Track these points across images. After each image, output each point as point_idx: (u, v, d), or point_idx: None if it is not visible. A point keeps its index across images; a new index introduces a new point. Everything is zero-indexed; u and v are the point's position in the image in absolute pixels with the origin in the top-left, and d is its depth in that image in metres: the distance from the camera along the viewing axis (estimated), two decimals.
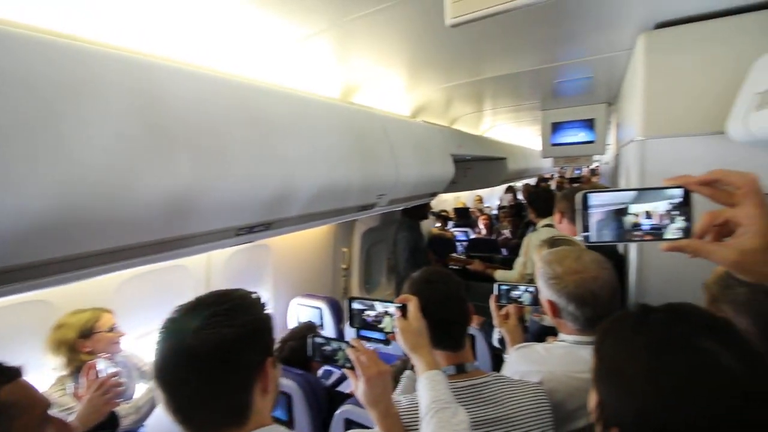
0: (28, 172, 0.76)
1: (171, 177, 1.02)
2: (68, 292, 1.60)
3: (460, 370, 1.02)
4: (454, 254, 3.16)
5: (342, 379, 2.16)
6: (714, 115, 1.47)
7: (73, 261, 0.96)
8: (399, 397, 1.03)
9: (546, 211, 2.64)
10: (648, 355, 0.51)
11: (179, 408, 0.66)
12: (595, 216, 0.58)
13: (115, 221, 0.96)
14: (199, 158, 1.08)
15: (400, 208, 2.84)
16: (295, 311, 2.67)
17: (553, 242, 1.52)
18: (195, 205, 1.10)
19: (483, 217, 5.94)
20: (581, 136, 3.39)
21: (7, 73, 0.76)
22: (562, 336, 1.15)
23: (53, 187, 0.81)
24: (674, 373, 0.48)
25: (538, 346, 1.17)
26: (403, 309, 0.97)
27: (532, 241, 2.53)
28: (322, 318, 2.55)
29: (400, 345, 0.95)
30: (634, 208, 0.56)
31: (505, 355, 1.37)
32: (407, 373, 1.20)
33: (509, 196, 6.86)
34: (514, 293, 1.48)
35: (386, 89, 2.40)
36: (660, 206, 0.56)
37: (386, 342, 2.28)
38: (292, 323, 2.64)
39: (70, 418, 1.25)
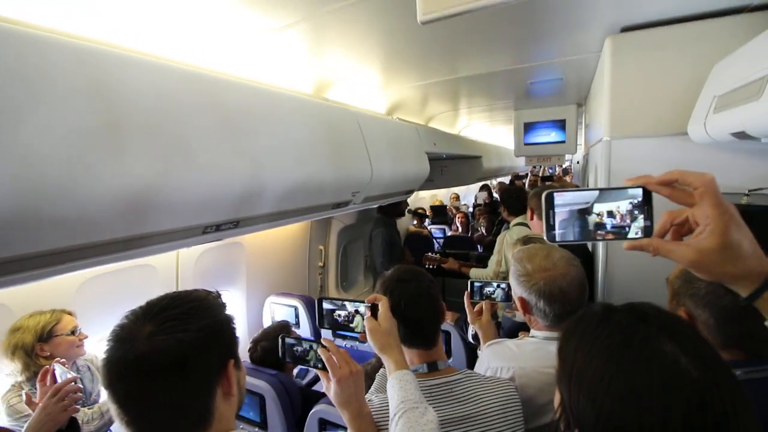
0: None
1: (129, 172, 0.97)
2: (26, 292, 1.50)
3: (432, 368, 1.02)
4: (428, 254, 3.17)
5: (318, 377, 2.14)
6: (676, 116, 1.53)
7: (24, 261, 0.90)
8: (371, 396, 1.02)
9: (518, 210, 2.70)
10: (608, 358, 0.52)
11: (133, 420, 0.62)
12: (560, 215, 0.59)
13: (69, 219, 0.90)
14: (160, 153, 1.03)
15: (376, 206, 2.83)
16: (269, 310, 2.62)
17: (526, 241, 1.55)
18: (156, 202, 1.04)
19: (459, 214, 6.01)
20: (553, 135, 3.48)
21: None
22: (533, 332, 1.17)
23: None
24: (634, 377, 0.49)
25: (510, 343, 1.18)
26: (374, 309, 0.96)
27: (505, 238, 2.57)
28: (297, 317, 2.52)
29: (370, 345, 0.94)
30: (597, 208, 0.57)
31: (478, 351, 1.39)
32: (382, 371, 1.19)
33: (484, 193, 6.96)
34: (488, 290, 1.49)
35: (361, 85, 2.38)
36: (622, 206, 0.57)
37: (362, 340, 2.27)
38: (267, 322, 2.59)
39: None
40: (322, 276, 3.36)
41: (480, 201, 6.89)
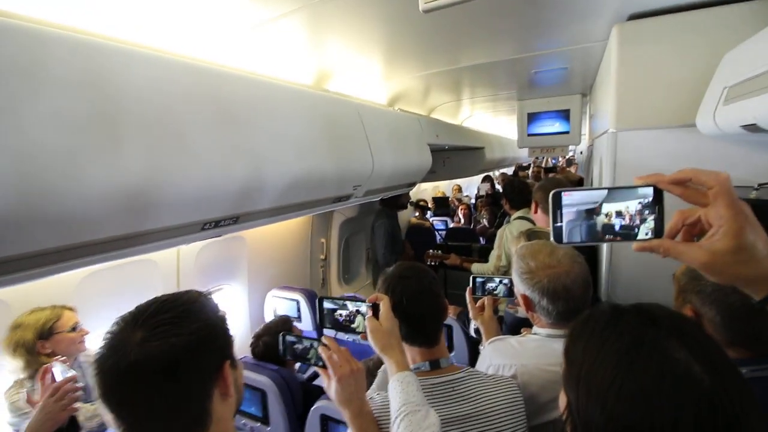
0: None
1: (126, 168, 0.95)
2: (24, 288, 1.50)
3: (435, 366, 1.01)
4: (430, 251, 3.15)
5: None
6: (685, 107, 1.49)
7: (19, 261, 0.89)
8: (372, 394, 1.01)
9: (520, 203, 2.66)
10: (617, 362, 0.51)
11: (130, 427, 0.61)
12: (568, 215, 0.56)
13: (65, 217, 0.89)
14: (156, 149, 1.01)
15: (377, 199, 2.80)
16: (271, 304, 2.61)
17: (529, 235, 1.52)
18: (153, 199, 1.03)
19: (462, 206, 5.97)
20: (557, 126, 3.42)
21: None
22: (535, 329, 1.15)
23: None
24: (643, 381, 0.48)
25: (512, 339, 1.17)
26: (375, 308, 0.95)
27: (506, 232, 2.55)
28: (299, 310, 2.51)
29: (371, 345, 0.93)
30: (606, 208, 0.55)
31: (480, 347, 1.38)
32: (384, 367, 1.18)
33: (487, 185, 6.91)
34: (490, 285, 1.48)
35: (362, 76, 2.34)
36: (631, 205, 0.55)
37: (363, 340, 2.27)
38: (268, 316, 2.59)
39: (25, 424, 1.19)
40: (324, 269, 3.35)
41: (483, 192, 6.84)
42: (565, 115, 3.37)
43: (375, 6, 1.44)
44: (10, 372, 1.45)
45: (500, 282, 1.46)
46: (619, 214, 0.55)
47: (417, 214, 4.84)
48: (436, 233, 4.55)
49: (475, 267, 2.73)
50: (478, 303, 1.48)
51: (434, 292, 1.05)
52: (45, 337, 1.47)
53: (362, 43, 1.82)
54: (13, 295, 1.52)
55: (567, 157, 9.75)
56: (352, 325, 1.01)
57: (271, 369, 1.65)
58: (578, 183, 4.84)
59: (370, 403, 0.95)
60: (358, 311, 1.01)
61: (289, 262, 3.02)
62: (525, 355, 1.09)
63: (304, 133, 1.61)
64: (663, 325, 0.53)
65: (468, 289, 1.49)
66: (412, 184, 2.97)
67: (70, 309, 1.59)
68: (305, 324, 2.47)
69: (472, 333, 1.63)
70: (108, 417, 0.60)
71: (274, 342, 1.74)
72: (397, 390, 0.83)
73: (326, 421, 1.32)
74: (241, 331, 2.61)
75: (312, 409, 1.34)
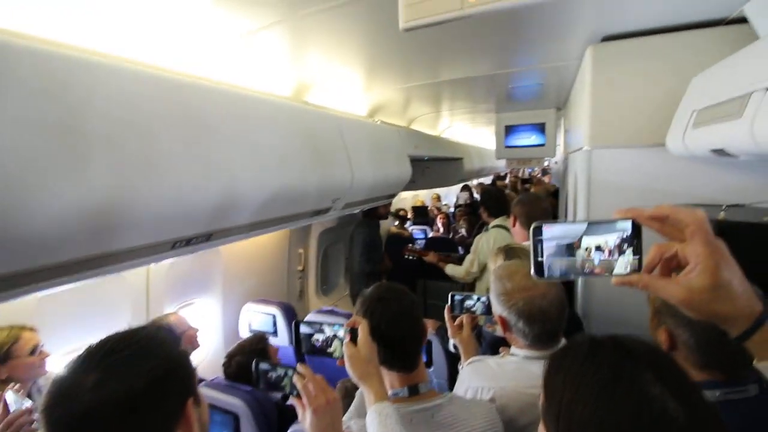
0: None
1: (87, 186, 0.89)
2: None
3: (413, 392, 0.98)
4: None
5: None
6: (655, 128, 1.54)
7: None
8: (349, 422, 0.98)
9: (498, 212, 2.71)
10: (597, 397, 0.52)
11: None
12: (548, 250, 0.56)
13: (19, 238, 0.82)
14: (122, 165, 0.96)
15: (356, 212, 2.78)
16: (246, 318, 2.53)
17: (507, 251, 1.53)
18: (119, 218, 0.97)
19: (441, 215, 6.01)
20: (533, 138, 3.51)
21: None
22: (513, 350, 1.15)
23: None
24: (621, 418, 0.50)
25: (491, 361, 1.16)
26: (353, 333, 0.92)
27: (482, 240, 2.59)
28: (275, 325, 2.44)
29: (348, 372, 0.89)
30: (585, 241, 0.55)
31: (459, 366, 1.36)
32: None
33: (466, 194, 7.00)
34: (468, 303, 1.47)
35: (342, 88, 2.32)
36: (610, 239, 0.55)
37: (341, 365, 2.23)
38: (243, 331, 2.51)
39: None
40: (301, 280, 3.29)
41: (461, 201, 6.92)
42: (540, 128, 3.45)
43: (356, 21, 1.43)
44: None
45: (478, 299, 1.46)
46: (598, 248, 0.55)
47: (396, 223, 4.84)
48: (416, 243, 4.55)
49: (449, 268, 2.81)
50: (456, 321, 1.46)
51: (414, 315, 1.03)
52: (1, 362, 1.36)
53: (343, 56, 1.81)
54: None
55: (543, 167, 10.01)
56: (329, 350, 0.98)
57: (244, 390, 1.58)
58: (554, 193, 4.96)
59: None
60: (335, 336, 0.97)
61: (265, 273, 2.94)
62: (503, 378, 1.08)
63: (282, 147, 1.57)
64: (638, 358, 0.54)
65: (447, 307, 1.48)
66: (392, 196, 2.96)
67: (30, 329, 1.47)
68: (281, 339, 2.39)
69: (452, 348, 1.62)
70: None
71: (248, 362, 1.68)
72: (375, 422, 0.80)
73: None
74: (214, 347, 2.52)
75: None
